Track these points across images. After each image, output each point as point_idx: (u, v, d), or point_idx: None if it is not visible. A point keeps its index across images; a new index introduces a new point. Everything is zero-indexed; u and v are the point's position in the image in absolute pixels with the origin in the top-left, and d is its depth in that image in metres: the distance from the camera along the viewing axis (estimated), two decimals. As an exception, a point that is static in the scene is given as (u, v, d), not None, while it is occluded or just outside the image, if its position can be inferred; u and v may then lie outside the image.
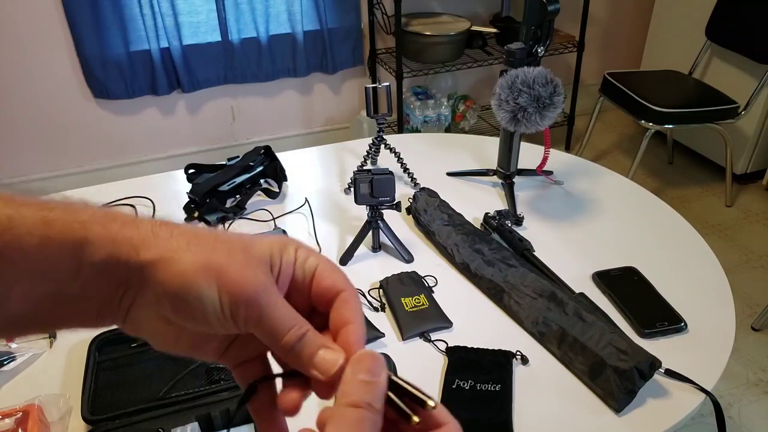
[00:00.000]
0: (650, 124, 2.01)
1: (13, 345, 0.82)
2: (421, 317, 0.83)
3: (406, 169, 1.16)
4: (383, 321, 0.85)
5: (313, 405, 0.27)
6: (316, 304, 0.29)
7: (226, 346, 0.29)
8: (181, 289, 0.25)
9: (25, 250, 0.23)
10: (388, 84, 1.07)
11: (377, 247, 0.98)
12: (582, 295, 0.87)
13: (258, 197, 1.12)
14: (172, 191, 1.15)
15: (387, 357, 0.76)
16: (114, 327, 0.27)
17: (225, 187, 1.08)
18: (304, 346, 0.26)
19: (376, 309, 0.87)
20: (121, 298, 0.26)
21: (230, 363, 0.30)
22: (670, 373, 0.74)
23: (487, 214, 1.02)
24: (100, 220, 0.25)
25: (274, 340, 0.26)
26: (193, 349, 0.28)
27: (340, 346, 0.27)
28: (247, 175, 1.10)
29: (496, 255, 0.92)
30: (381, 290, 0.89)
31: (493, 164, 1.17)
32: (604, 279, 0.90)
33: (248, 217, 1.07)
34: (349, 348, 0.27)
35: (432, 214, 1.01)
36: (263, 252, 0.27)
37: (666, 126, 2.03)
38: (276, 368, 0.29)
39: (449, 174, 1.19)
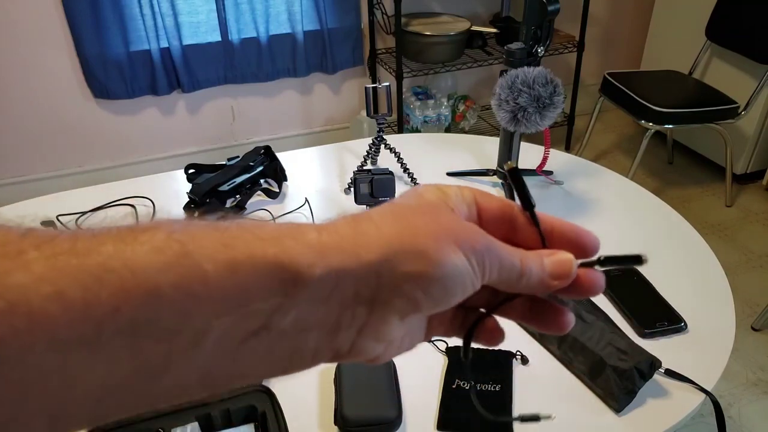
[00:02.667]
0: (650, 124, 2.01)
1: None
2: (421, 317, 0.83)
3: (406, 169, 1.16)
4: (383, 321, 0.85)
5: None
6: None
7: (450, 317, 0.26)
8: (436, 269, 0.21)
9: (208, 281, 0.18)
10: (388, 84, 1.07)
11: (377, 247, 0.98)
12: (582, 295, 0.87)
13: (258, 197, 1.12)
14: (172, 191, 1.15)
15: (387, 357, 0.76)
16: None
17: (225, 187, 1.08)
18: (533, 263, 0.24)
19: (376, 309, 0.87)
20: (352, 318, 0.21)
21: (454, 331, 0.27)
22: (670, 373, 0.74)
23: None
24: (289, 234, 0.20)
25: (517, 276, 0.23)
26: (425, 336, 0.26)
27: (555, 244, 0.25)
28: (247, 175, 1.10)
29: (496, 255, 0.92)
30: (381, 290, 0.89)
31: (493, 164, 1.17)
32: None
33: (248, 217, 1.07)
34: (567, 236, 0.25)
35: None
36: (442, 203, 0.24)
37: (666, 126, 2.03)
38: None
39: (449, 174, 1.19)
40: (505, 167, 0.26)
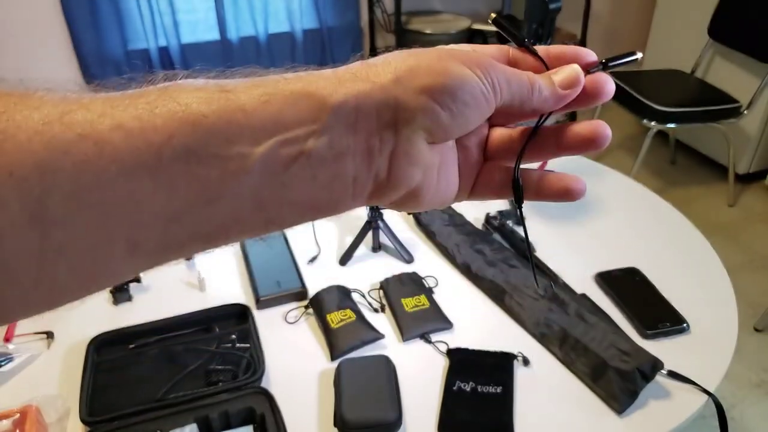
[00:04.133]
0: (652, 123, 2.00)
1: (11, 346, 0.81)
2: (422, 318, 0.82)
3: (406, 169, 1.15)
4: (383, 322, 0.84)
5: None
6: None
7: (480, 144, 0.28)
8: (444, 78, 0.23)
9: (246, 110, 0.20)
10: (388, 83, 1.06)
11: (377, 247, 0.98)
12: (584, 296, 0.86)
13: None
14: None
15: (387, 359, 0.76)
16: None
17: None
18: (541, 79, 0.25)
19: (376, 310, 0.86)
20: (380, 142, 0.23)
21: (497, 188, 0.28)
22: (673, 375, 0.73)
23: (488, 214, 1.02)
24: (308, 73, 0.23)
25: (527, 91, 0.25)
26: (461, 186, 0.27)
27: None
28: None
29: (498, 255, 0.92)
30: (381, 291, 0.88)
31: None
32: (607, 279, 0.90)
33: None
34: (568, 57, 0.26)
35: (432, 214, 1.01)
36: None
37: (668, 125, 2.02)
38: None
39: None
40: (489, 19, 0.28)
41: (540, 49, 0.27)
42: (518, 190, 0.27)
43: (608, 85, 0.26)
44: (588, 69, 0.26)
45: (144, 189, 0.19)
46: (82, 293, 0.20)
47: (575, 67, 0.26)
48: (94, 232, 0.18)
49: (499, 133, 0.28)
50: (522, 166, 0.27)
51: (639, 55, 0.27)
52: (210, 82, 0.21)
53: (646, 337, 0.80)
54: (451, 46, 0.26)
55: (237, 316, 0.85)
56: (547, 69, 0.26)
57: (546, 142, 0.27)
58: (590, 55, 0.26)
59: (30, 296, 0.18)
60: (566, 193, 0.26)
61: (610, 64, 0.26)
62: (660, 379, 0.73)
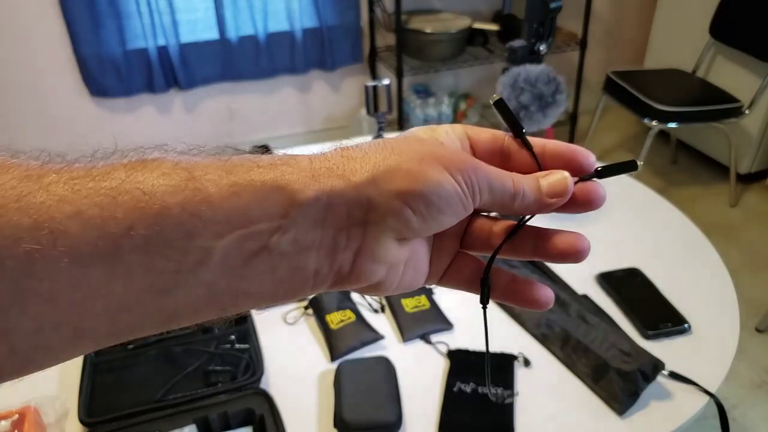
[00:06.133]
0: (654, 122, 1.99)
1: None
2: (422, 319, 0.82)
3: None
4: (383, 323, 0.84)
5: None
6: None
7: (454, 246, 0.27)
8: (420, 185, 0.22)
9: (212, 203, 0.20)
10: (388, 82, 1.06)
11: (377, 247, 0.97)
12: (585, 296, 0.86)
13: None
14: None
15: (387, 360, 0.75)
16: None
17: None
18: (527, 184, 0.25)
19: (376, 310, 0.86)
20: (347, 239, 0.22)
21: (468, 282, 0.27)
22: (674, 375, 0.73)
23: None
24: (284, 161, 0.22)
25: (510, 196, 0.24)
26: (431, 276, 0.27)
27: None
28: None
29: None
30: (381, 291, 0.88)
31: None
32: (608, 280, 0.89)
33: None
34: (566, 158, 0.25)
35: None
36: (432, 138, 0.25)
37: (670, 125, 2.01)
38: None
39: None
40: (491, 100, 0.27)
41: (537, 142, 0.26)
42: (486, 290, 0.26)
43: (598, 194, 0.25)
44: (581, 176, 0.25)
45: (97, 279, 0.18)
46: (21, 374, 0.19)
47: (566, 176, 0.25)
48: (39, 319, 0.18)
49: (480, 223, 0.27)
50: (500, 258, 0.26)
51: (639, 163, 0.25)
52: (180, 164, 0.20)
53: (647, 337, 0.80)
54: (444, 127, 0.25)
55: (236, 317, 0.85)
56: (540, 168, 0.25)
57: (524, 244, 0.26)
58: (588, 158, 0.25)
59: None
60: (533, 302, 0.26)
61: (605, 172, 0.25)
62: (661, 379, 0.73)
